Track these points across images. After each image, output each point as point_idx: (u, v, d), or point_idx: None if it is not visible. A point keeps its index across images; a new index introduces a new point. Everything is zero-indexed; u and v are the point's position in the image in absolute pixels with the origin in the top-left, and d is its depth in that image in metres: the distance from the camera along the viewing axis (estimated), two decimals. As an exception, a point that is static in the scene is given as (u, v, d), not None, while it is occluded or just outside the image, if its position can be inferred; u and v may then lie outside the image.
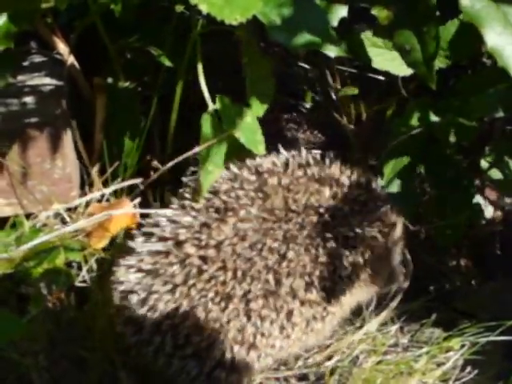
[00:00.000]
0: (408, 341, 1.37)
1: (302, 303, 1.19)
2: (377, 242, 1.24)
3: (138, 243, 1.20)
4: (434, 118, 1.38)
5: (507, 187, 1.40)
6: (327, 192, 1.23)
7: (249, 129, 1.26)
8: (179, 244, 1.17)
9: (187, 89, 1.48)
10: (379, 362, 1.28)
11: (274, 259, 1.17)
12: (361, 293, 1.29)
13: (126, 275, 1.19)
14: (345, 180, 1.25)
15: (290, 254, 1.18)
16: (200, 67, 1.35)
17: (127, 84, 1.55)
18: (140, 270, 1.19)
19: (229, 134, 1.25)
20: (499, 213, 1.57)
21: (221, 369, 1.18)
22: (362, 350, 1.31)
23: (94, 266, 1.38)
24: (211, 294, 1.16)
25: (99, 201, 1.43)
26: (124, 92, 1.53)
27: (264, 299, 1.17)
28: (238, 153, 1.26)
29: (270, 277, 1.17)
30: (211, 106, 1.29)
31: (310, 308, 1.19)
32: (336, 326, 1.33)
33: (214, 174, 1.24)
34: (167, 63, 1.51)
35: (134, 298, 1.18)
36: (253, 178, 1.23)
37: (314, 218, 1.20)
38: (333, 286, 1.20)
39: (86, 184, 1.50)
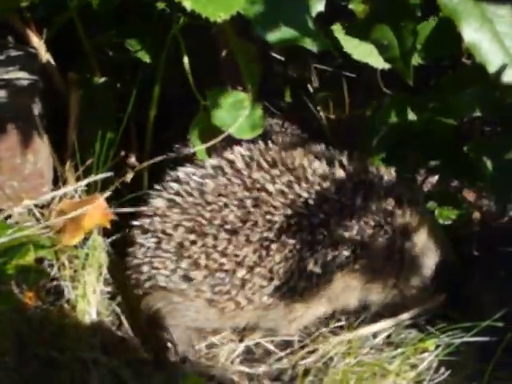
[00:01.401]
0: (383, 342, 1.36)
1: None
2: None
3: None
4: (411, 115, 1.37)
5: (485, 187, 1.39)
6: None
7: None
8: None
9: (166, 85, 1.47)
10: (354, 364, 1.26)
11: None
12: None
13: None
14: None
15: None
16: (186, 62, 1.34)
17: (103, 80, 1.52)
18: None
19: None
20: (477, 214, 1.56)
21: None
22: (337, 351, 1.30)
23: (67, 263, 1.36)
24: None
25: (72, 197, 1.40)
26: (99, 88, 1.51)
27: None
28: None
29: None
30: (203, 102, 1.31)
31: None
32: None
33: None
34: (146, 59, 1.50)
35: None
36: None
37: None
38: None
39: (60, 180, 1.48)
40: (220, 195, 1.30)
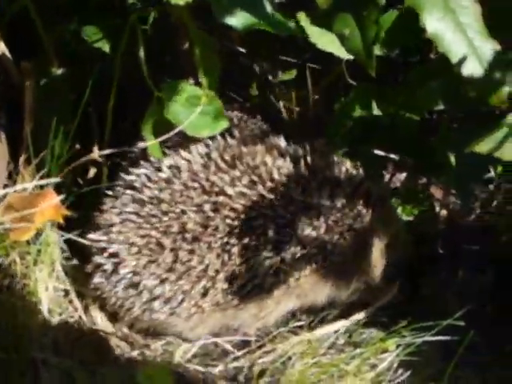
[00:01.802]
0: (344, 342, 1.33)
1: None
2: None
3: None
4: (376, 110, 1.34)
5: (449, 182, 1.36)
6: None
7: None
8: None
9: (126, 75, 1.43)
10: (312, 364, 1.23)
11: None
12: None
13: None
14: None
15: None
16: (141, 51, 1.30)
17: (61, 70, 1.48)
18: None
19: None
20: (444, 211, 1.54)
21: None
22: (295, 351, 1.26)
23: (18, 260, 1.31)
24: None
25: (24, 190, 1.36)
26: (56, 79, 1.46)
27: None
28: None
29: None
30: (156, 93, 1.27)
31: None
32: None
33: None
34: (106, 49, 1.45)
35: None
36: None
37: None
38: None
39: (13, 174, 1.43)
40: (177, 202, 1.27)
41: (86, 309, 1.35)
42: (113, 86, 1.40)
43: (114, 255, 1.30)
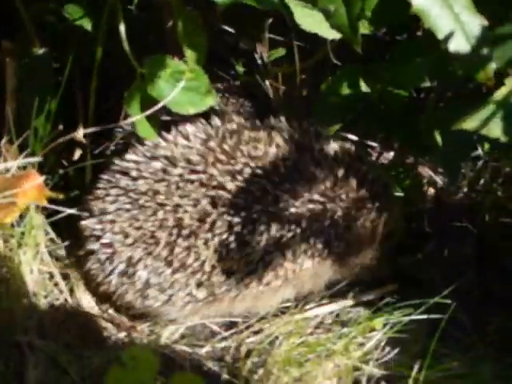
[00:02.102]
0: (332, 321, 1.32)
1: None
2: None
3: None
4: (364, 87, 1.33)
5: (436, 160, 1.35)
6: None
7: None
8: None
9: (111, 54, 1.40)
10: (298, 343, 1.23)
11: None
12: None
13: None
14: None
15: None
16: (122, 28, 1.27)
17: (42, 50, 1.45)
18: None
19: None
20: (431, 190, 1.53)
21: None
22: (282, 331, 1.26)
23: (1, 242, 1.29)
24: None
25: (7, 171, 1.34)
26: (37, 58, 1.43)
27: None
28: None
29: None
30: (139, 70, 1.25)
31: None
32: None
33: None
34: (88, 27, 1.42)
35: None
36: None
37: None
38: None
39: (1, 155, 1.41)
40: (173, 195, 1.25)
41: (71, 291, 1.34)
42: (95, 66, 1.37)
43: (108, 245, 1.28)
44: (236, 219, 1.22)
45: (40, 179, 1.25)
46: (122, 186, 1.29)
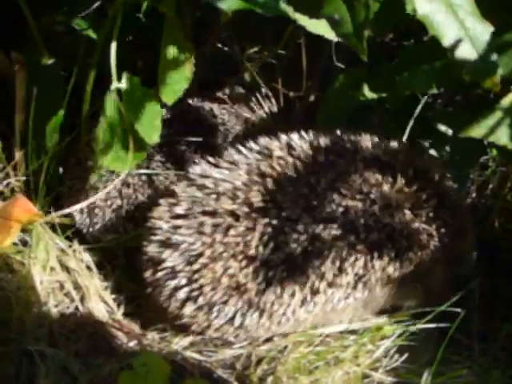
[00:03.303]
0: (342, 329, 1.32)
1: (330, 285, 1.19)
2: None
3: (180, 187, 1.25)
4: (368, 93, 1.33)
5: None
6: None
7: (149, 115, 1.21)
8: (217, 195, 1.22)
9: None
10: (309, 352, 1.23)
11: (305, 237, 1.17)
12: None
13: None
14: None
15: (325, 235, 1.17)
16: (114, 39, 1.27)
17: (52, 61, 1.46)
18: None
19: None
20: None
21: (229, 325, 1.23)
22: (292, 339, 1.26)
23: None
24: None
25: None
26: (47, 69, 1.45)
27: (286, 271, 1.18)
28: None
29: (298, 251, 1.18)
30: (115, 84, 1.23)
31: (336, 290, 1.20)
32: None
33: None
34: (94, 36, 1.43)
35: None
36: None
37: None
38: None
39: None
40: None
41: (82, 300, 1.35)
42: (89, 80, 1.37)
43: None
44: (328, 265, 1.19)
45: (28, 203, 1.28)
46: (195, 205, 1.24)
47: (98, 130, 1.24)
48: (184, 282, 1.22)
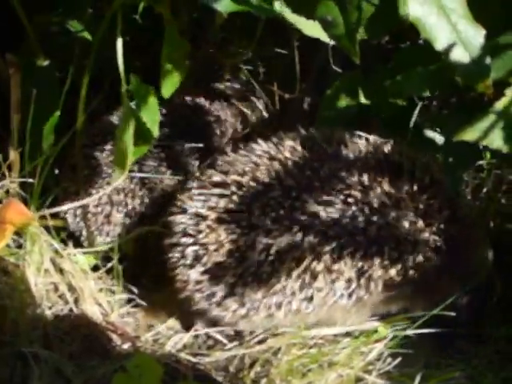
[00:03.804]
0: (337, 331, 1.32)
1: (328, 270, 1.20)
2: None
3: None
4: (363, 98, 1.33)
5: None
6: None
7: (152, 110, 1.23)
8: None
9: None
10: (302, 354, 1.23)
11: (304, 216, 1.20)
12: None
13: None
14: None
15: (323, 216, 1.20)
16: (119, 42, 1.27)
17: (47, 62, 1.46)
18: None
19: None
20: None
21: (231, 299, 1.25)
22: (286, 341, 1.26)
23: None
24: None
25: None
26: (42, 70, 1.45)
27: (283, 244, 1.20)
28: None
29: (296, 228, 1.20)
30: (125, 87, 1.23)
31: (336, 279, 1.20)
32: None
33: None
34: (89, 38, 1.43)
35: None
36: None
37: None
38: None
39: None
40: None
41: (76, 302, 1.35)
42: (84, 80, 1.37)
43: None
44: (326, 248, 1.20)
45: (21, 206, 1.27)
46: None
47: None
48: (191, 241, 1.25)
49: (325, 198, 1.20)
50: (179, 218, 1.28)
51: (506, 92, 1.09)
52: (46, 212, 1.34)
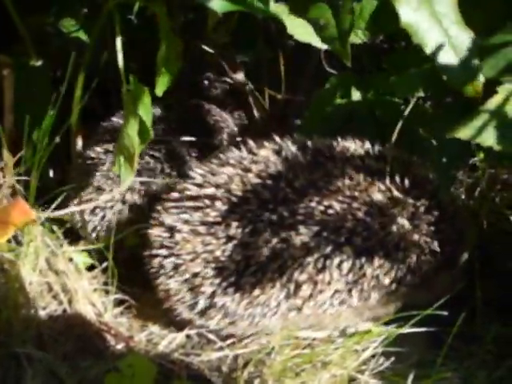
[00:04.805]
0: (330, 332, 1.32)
1: (313, 281, 1.19)
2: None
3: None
4: (356, 96, 1.33)
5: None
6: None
7: (147, 109, 1.23)
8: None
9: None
10: (296, 354, 1.23)
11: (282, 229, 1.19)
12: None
13: None
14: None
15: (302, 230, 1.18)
16: (119, 41, 1.28)
17: (40, 63, 1.46)
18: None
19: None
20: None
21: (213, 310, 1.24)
22: (279, 341, 1.26)
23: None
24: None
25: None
26: (35, 71, 1.45)
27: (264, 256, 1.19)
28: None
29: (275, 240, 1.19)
30: (125, 87, 1.25)
31: (322, 289, 1.19)
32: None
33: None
34: (84, 38, 1.44)
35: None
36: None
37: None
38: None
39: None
40: None
41: (70, 303, 1.35)
42: (80, 76, 1.37)
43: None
44: (308, 259, 1.18)
45: (26, 206, 1.27)
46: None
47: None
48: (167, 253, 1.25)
49: (301, 210, 1.18)
50: (155, 231, 1.28)
51: (498, 90, 1.09)
52: (51, 214, 1.35)
